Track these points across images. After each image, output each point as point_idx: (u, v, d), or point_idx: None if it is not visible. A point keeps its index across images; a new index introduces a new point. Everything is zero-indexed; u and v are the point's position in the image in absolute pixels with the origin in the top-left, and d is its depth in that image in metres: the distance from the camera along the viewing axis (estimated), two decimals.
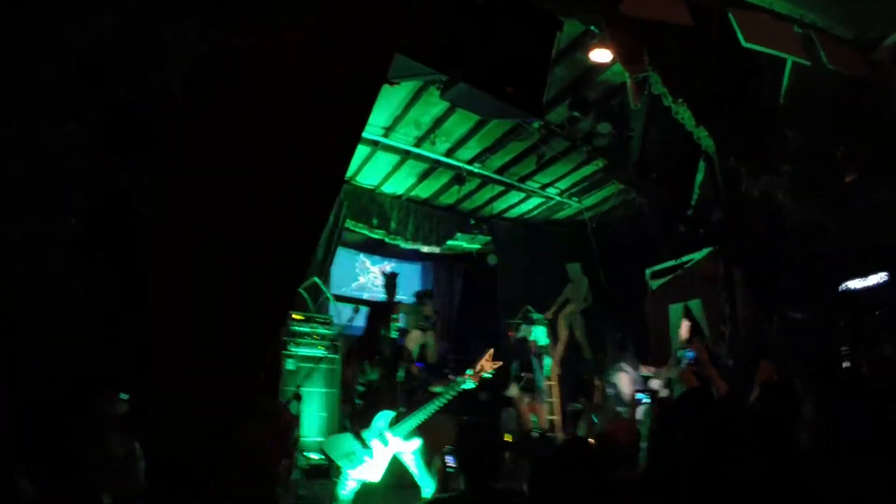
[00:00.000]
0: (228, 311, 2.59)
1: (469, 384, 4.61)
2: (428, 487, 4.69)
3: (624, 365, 6.80)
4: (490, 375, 4.76)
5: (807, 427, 2.04)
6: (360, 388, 4.61)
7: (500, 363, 4.81)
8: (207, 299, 2.61)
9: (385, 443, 4.57)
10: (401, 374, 4.80)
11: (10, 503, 2.28)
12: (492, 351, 4.79)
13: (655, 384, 5.45)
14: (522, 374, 7.83)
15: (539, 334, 7.61)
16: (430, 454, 6.70)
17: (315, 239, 2.80)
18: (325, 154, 2.79)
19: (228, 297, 2.63)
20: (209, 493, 2.38)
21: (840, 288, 4.08)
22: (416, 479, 4.71)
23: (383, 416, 4.60)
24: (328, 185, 2.85)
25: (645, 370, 6.49)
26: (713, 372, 3.31)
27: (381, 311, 5.00)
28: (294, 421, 4.75)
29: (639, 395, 3.92)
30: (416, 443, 4.66)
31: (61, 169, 3.24)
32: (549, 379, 7.80)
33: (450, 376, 5.14)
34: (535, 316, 8.08)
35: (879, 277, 3.85)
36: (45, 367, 3.24)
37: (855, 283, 4.01)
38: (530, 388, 7.77)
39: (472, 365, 4.70)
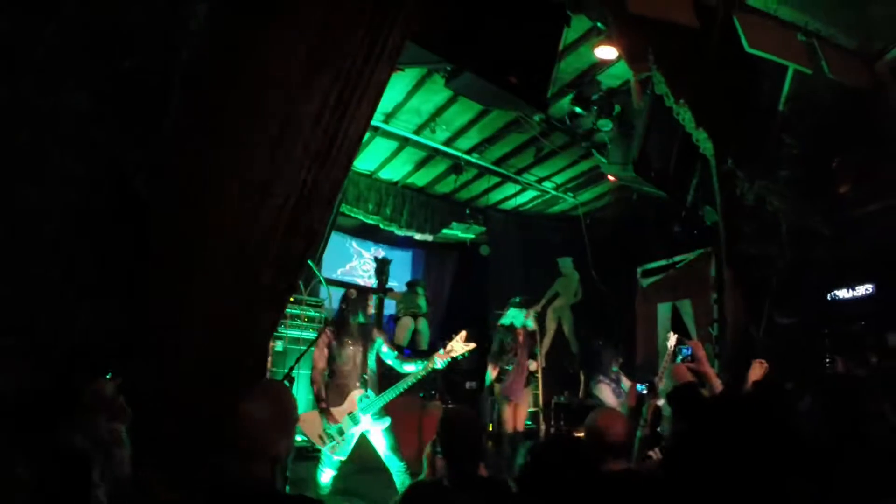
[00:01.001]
0: (232, 290, 2.59)
1: (440, 364, 4.70)
2: (396, 468, 4.77)
3: (602, 377, 6.88)
4: (462, 357, 4.86)
5: (805, 422, 2.05)
6: (327, 369, 4.69)
7: (474, 345, 4.93)
8: (209, 278, 2.60)
9: (355, 422, 4.68)
10: (371, 356, 4.89)
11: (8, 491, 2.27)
12: (464, 333, 4.88)
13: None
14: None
15: (513, 316, 7.54)
16: (422, 441, 6.79)
17: (323, 223, 2.79)
18: (336, 137, 2.79)
19: (231, 277, 2.62)
20: (206, 474, 2.38)
21: (828, 296, 4.15)
22: (384, 458, 4.81)
23: (352, 396, 4.71)
24: (337, 170, 2.84)
25: (626, 381, 6.58)
26: (709, 370, 3.31)
27: (353, 297, 5.04)
28: (294, 402, 4.83)
29: (639, 387, 3.98)
30: (386, 422, 4.75)
31: (62, 138, 3.21)
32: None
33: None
34: (515, 300, 7.99)
35: (866, 288, 3.92)
36: (32, 347, 3.21)
37: (842, 293, 4.08)
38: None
39: (444, 345, 4.79)
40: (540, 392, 9.55)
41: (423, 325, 8.55)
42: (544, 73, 5.41)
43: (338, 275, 10.62)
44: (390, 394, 4.70)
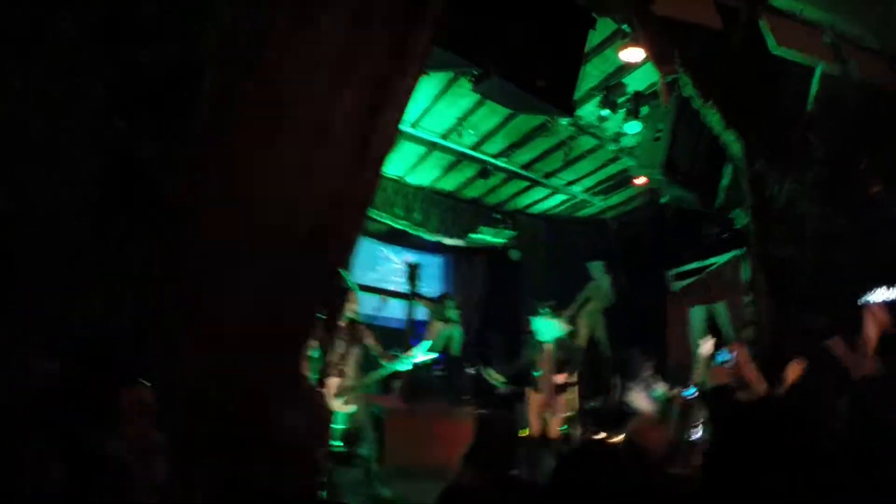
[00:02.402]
0: (267, 298, 2.60)
1: (403, 367, 5.41)
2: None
3: (634, 383, 6.84)
4: (424, 364, 5.62)
5: (840, 425, 2.01)
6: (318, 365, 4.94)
7: (435, 355, 5.77)
8: (244, 286, 2.59)
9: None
10: (354, 350, 5.31)
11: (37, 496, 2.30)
12: (427, 343, 5.61)
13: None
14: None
15: (538, 327, 7.52)
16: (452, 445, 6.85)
17: (356, 228, 2.80)
18: (367, 142, 2.80)
19: (266, 285, 2.61)
20: (245, 481, 2.41)
21: (858, 300, 4.04)
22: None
23: (330, 383, 5.04)
24: (369, 175, 2.85)
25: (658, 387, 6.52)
26: (752, 374, 3.23)
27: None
28: (330, 409, 5.30)
29: (685, 392, 3.95)
30: (353, 408, 5.18)
31: (76, 129, 3.18)
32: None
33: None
34: (543, 310, 7.93)
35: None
36: (60, 350, 3.26)
37: (873, 296, 3.98)
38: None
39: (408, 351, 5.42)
40: (575, 397, 9.52)
41: (455, 331, 8.57)
42: (571, 76, 5.41)
43: (369, 280, 10.68)
44: (359, 386, 5.23)
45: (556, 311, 7.87)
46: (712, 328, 6.75)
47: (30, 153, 2.96)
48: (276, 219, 2.66)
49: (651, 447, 2.75)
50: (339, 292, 5.15)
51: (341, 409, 5.16)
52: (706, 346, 4.50)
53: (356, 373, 5.34)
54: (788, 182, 4.53)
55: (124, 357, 3.11)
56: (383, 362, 5.39)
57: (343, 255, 2.75)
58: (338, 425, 5.14)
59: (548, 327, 7.34)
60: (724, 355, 3.34)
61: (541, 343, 7.22)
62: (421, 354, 5.32)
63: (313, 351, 6.88)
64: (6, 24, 2.83)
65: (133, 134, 2.92)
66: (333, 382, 5.16)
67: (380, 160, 2.92)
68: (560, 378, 7.13)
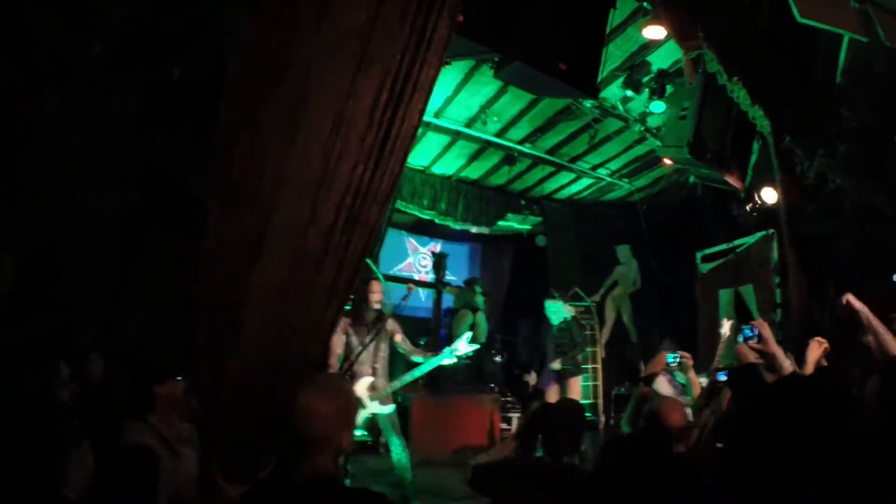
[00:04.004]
0: (292, 289, 2.62)
1: (447, 360, 5.09)
2: (395, 447, 5.13)
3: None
4: (467, 356, 5.32)
5: (871, 406, 1.96)
6: (342, 355, 4.93)
7: (478, 346, 5.33)
8: (268, 278, 2.63)
9: (361, 405, 5.00)
10: (384, 345, 5.21)
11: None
12: (470, 334, 5.29)
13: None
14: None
15: (550, 311, 7.64)
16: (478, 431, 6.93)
17: (381, 219, 2.83)
18: (390, 133, 2.82)
19: (290, 277, 2.65)
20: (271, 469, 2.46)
21: (894, 278, 3.94)
22: (387, 438, 5.24)
23: (363, 382, 5.06)
24: (393, 165, 2.86)
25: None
26: (777, 349, 3.14)
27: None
28: (355, 395, 5.17)
29: (719, 375, 3.88)
30: (390, 407, 5.14)
31: (112, 144, 3.33)
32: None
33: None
34: (555, 294, 8.04)
35: None
36: (96, 348, 3.39)
37: None
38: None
39: (452, 344, 5.13)
40: (600, 383, 9.49)
41: (480, 318, 8.58)
42: (593, 57, 5.34)
43: (396, 271, 10.76)
44: (397, 383, 5.09)
45: (564, 296, 7.98)
46: (740, 311, 6.64)
47: (72, 170, 3.10)
48: (301, 213, 2.70)
49: (671, 427, 2.74)
50: (364, 284, 5.19)
51: (378, 409, 5.07)
52: (726, 327, 4.43)
53: (386, 370, 5.24)
54: (819, 156, 4.43)
55: (162, 356, 3.25)
56: (420, 358, 5.19)
57: (369, 244, 2.78)
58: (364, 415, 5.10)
59: (555, 312, 7.46)
60: (747, 332, 3.24)
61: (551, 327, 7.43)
62: (464, 346, 5.11)
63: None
64: (45, 51, 2.95)
65: (165, 146, 3.03)
66: (366, 381, 5.08)
67: (403, 151, 2.94)
68: (556, 363, 7.29)
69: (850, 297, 3.37)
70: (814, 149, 4.47)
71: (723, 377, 4.02)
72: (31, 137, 3.07)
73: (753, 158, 5.67)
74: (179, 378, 3.07)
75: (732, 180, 6.11)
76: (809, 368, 3.25)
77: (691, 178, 7.24)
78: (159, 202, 3.51)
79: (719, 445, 3.53)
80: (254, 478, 2.41)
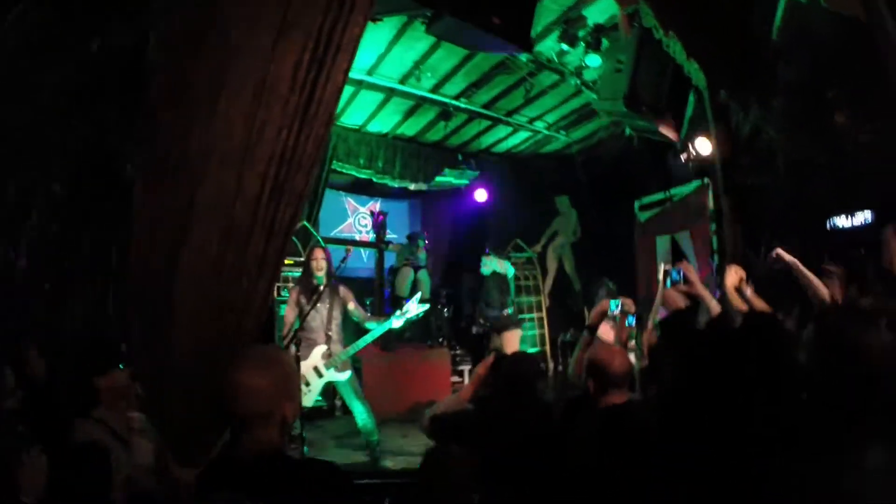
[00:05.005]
0: (222, 262, 2.56)
1: (398, 325, 5.16)
2: (358, 412, 5.21)
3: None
4: (416, 318, 5.34)
5: (805, 353, 1.97)
6: (297, 324, 4.88)
7: (427, 307, 5.41)
8: (198, 253, 2.56)
9: (319, 375, 5.11)
10: (336, 312, 5.24)
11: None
12: (419, 294, 5.39)
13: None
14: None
15: (484, 267, 7.96)
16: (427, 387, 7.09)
17: (308, 183, 2.74)
18: (313, 95, 2.71)
19: (220, 249, 2.59)
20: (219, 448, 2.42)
21: (827, 225, 4.11)
22: (348, 404, 5.30)
23: (317, 350, 5.11)
24: (318, 128, 2.77)
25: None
26: (703, 291, 3.17)
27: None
28: (293, 363, 5.10)
29: (629, 320, 3.95)
30: (347, 373, 5.17)
31: (39, 130, 3.14)
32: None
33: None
34: (489, 250, 8.36)
35: (865, 216, 3.88)
36: (35, 347, 3.24)
37: (841, 221, 4.03)
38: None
39: (401, 305, 5.25)
40: (546, 331, 9.72)
41: (423, 274, 8.56)
42: (527, 11, 5.25)
43: (336, 233, 10.57)
44: (351, 350, 5.13)
45: (498, 252, 8.22)
46: (678, 257, 6.85)
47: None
48: (227, 186, 2.61)
49: (611, 371, 2.75)
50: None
51: (336, 377, 5.12)
52: (660, 272, 4.53)
53: (341, 337, 5.25)
54: (754, 110, 4.51)
55: (103, 346, 3.13)
56: (370, 324, 5.22)
57: (298, 210, 2.71)
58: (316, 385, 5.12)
59: (489, 266, 7.71)
60: (675, 275, 3.27)
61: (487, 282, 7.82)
62: (414, 307, 5.16)
63: (281, 309, 6.92)
64: None
65: (90, 128, 2.86)
66: (320, 350, 5.13)
67: (328, 114, 2.84)
68: (493, 316, 7.79)
69: (779, 251, 3.48)
70: (749, 103, 4.55)
71: (631, 322, 4.08)
72: None
73: (689, 111, 5.74)
74: (122, 367, 2.96)
75: (668, 132, 6.20)
76: (730, 293, 3.29)
77: (627, 131, 7.30)
78: (89, 187, 3.36)
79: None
80: (205, 458, 2.39)
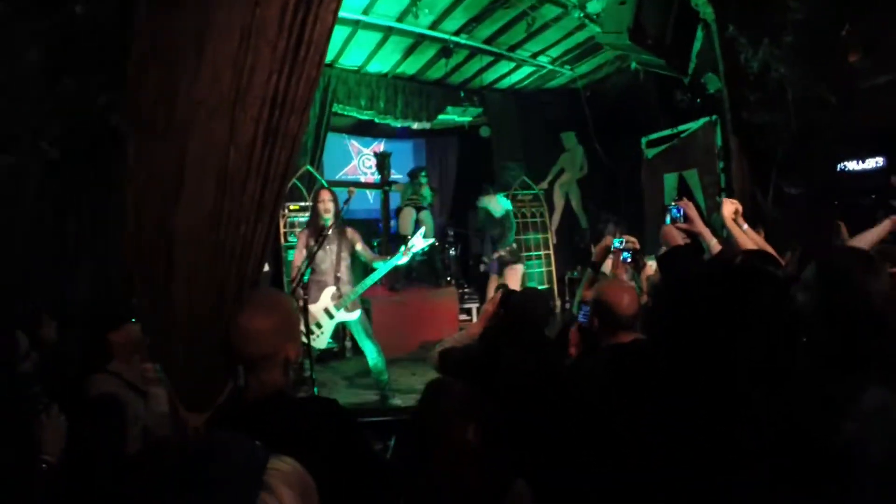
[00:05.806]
0: (219, 209, 2.55)
1: (404, 261, 5.18)
2: (369, 351, 5.32)
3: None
4: (421, 253, 5.52)
5: (804, 293, 1.93)
6: (306, 264, 4.83)
7: (433, 240, 5.51)
8: (193, 202, 2.56)
9: (330, 316, 5.19)
10: (345, 254, 5.27)
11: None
12: (423, 229, 5.38)
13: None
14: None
15: (482, 206, 7.98)
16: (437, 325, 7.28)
17: (303, 126, 2.70)
18: (302, 37, 2.64)
19: (215, 197, 2.58)
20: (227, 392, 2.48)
21: (837, 167, 4.01)
22: (360, 343, 5.40)
23: (327, 292, 5.18)
24: (309, 70, 2.70)
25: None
26: (703, 229, 3.10)
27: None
28: (292, 305, 5.09)
29: (624, 256, 3.88)
30: (357, 313, 5.25)
31: (28, 94, 3.09)
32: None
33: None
34: (488, 188, 8.37)
35: (877, 161, 3.78)
36: (45, 310, 3.29)
37: (852, 164, 3.93)
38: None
39: (406, 242, 5.20)
40: (553, 268, 9.75)
41: (425, 215, 8.51)
42: None
43: (341, 175, 10.51)
44: (359, 289, 5.16)
45: (493, 190, 8.22)
46: (686, 195, 6.77)
47: None
48: (220, 134, 2.58)
49: (619, 309, 2.71)
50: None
51: (346, 317, 5.20)
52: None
53: (350, 278, 5.30)
54: (763, 46, 4.35)
55: (112, 302, 3.18)
56: (378, 263, 5.22)
57: (293, 154, 2.69)
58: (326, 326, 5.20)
59: (483, 204, 7.75)
60: (674, 212, 3.19)
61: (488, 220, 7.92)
62: (419, 242, 5.14)
63: (289, 254, 6.94)
64: None
65: (79, 90, 2.80)
66: (329, 291, 5.18)
67: (319, 56, 2.77)
68: (493, 254, 7.84)
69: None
70: (758, 39, 4.38)
71: (626, 258, 4.01)
72: None
73: (697, 46, 5.55)
74: (133, 320, 3.05)
75: (673, 67, 6.01)
76: (729, 224, 3.23)
77: (633, 65, 7.08)
78: (82, 149, 3.34)
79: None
80: (213, 404, 2.44)
